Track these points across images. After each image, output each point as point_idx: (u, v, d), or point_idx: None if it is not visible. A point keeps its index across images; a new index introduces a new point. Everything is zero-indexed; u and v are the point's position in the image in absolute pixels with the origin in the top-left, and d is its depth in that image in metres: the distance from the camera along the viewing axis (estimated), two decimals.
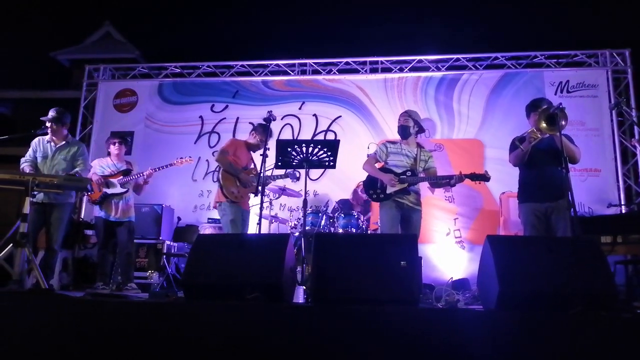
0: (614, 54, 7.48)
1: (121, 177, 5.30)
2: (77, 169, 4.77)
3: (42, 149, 4.81)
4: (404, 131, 4.73)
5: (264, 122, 4.58)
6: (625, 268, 5.10)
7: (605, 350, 2.32)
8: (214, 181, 7.79)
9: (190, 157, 5.87)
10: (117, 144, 5.46)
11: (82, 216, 7.77)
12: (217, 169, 4.99)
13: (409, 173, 4.55)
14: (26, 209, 3.93)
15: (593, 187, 6.91)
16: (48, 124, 4.78)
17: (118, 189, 5.26)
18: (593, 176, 6.96)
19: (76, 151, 4.88)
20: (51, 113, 4.80)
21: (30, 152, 4.82)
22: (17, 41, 14.90)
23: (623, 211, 6.72)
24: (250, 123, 7.92)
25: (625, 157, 7.16)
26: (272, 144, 4.54)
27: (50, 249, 4.62)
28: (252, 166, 5.21)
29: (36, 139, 4.85)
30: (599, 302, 2.58)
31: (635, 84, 7.29)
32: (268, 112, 4.56)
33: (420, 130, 4.83)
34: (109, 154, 5.52)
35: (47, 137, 4.83)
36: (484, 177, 4.42)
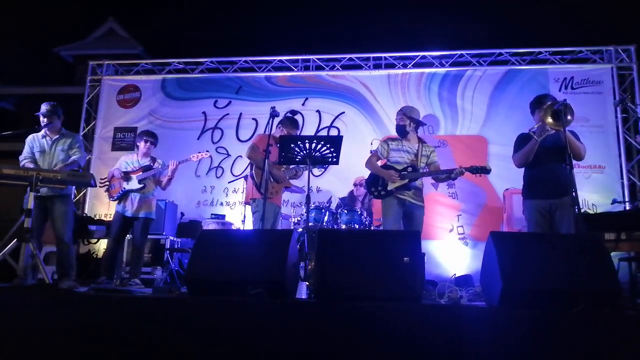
0: (619, 50, 7.44)
1: (141, 172, 5.32)
2: (73, 157, 4.78)
3: (38, 144, 4.82)
4: (401, 130, 4.73)
5: (291, 115, 4.53)
6: (629, 265, 5.09)
7: (608, 347, 2.32)
8: (217, 177, 7.81)
9: (207, 151, 5.84)
10: (147, 142, 5.49)
11: (86, 211, 7.80)
12: (250, 166, 4.95)
13: (409, 169, 4.55)
14: (30, 204, 3.94)
15: (597, 183, 6.90)
16: (43, 118, 4.79)
17: (135, 185, 5.28)
18: (597, 173, 6.94)
19: (72, 141, 4.90)
20: (44, 107, 4.82)
21: (27, 148, 4.82)
22: (21, 37, 14.94)
23: (627, 208, 6.70)
24: (253, 119, 7.95)
25: (630, 153, 7.13)
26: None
27: (62, 242, 4.63)
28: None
29: (30, 136, 4.88)
30: (603, 299, 2.57)
31: None
32: (271, 107, 4.55)
33: (419, 125, 4.81)
34: (136, 148, 5.57)
35: (41, 133, 4.84)
36: (485, 170, 4.41)
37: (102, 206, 7.77)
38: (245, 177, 4.87)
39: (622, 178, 6.95)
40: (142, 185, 5.28)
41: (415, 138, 4.77)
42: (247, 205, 5.23)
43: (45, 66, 14.05)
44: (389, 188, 4.52)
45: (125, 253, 6.28)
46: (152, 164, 5.42)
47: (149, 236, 6.52)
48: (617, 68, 7.35)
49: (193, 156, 5.61)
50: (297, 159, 4.20)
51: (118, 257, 5.51)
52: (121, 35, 13.56)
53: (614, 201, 6.42)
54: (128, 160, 5.48)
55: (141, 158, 5.48)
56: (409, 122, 4.70)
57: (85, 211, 7.82)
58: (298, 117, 7.88)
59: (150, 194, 5.39)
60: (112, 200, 5.38)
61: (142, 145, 5.49)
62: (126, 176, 5.30)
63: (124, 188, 5.27)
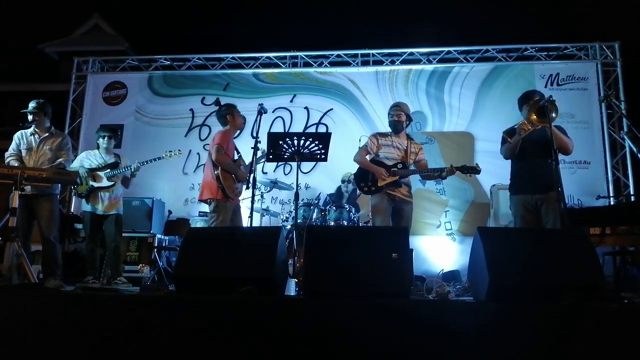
0: (604, 46, 7.52)
1: (108, 170, 5.26)
2: (60, 160, 4.72)
3: (26, 141, 4.76)
4: (396, 126, 4.70)
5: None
6: (614, 259, 5.16)
7: (594, 340, 2.35)
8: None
9: (179, 150, 5.83)
10: (106, 138, 5.41)
11: (72, 210, 7.72)
12: (213, 166, 4.86)
13: (399, 165, 4.56)
14: (15, 202, 3.89)
15: (582, 179, 6.98)
16: (30, 116, 4.73)
17: (105, 182, 5.22)
18: (582, 168, 7.02)
19: (61, 141, 4.83)
20: (32, 104, 4.76)
21: (13, 145, 4.76)
22: (5, 33, 14.71)
23: (612, 203, 6.78)
24: (241, 116, 7.89)
25: (614, 149, 7.22)
26: (263, 137, 4.52)
27: (47, 241, 4.57)
28: (238, 156, 5.11)
29: (18, 132, 4.80)
30: (588, 293, 2.60)
31: (624, 76, 7.34)
32: (259, 104, 4.55)
33: (410, 122, 4.83)
34: (98, 146, 5.48)
35: (30, 130, 4.78)
36: (475, 170, 4.44)
37: None
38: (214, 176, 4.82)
39: (607, 173, 7.03)
40: (112, 183, 5.23)
41: (405, 134, 4.78)
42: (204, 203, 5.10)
43: (30, 63, 13.86)
44: (379, 184, 4.52)
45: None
46: (118, 160, 5.36)
47: (136, 234, 6.50)
48: (602, 64, 7.44)
49: (165, 154, 5.58)
50: (286, 156, 4.19)
51: (102, 256, 5.45)
52: (107, 31, 13.40)
53: (599, 196, 6.50)
54: (91, 157, 5.37)
55: (105, 154, 5.41)
56: (405, 118, 4.71)
57: (71, 210, 7.74)
58: (286, 114, 7.88)
59: (118, 190, 5.34)
60: (80, 197, 5.30)
61: (102, 141, 5.41)
62: (92, 173, 5.22)
63: (92, 185, 5.20)
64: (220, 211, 4.76)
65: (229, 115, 5.09)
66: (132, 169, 5.29)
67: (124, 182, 5.41)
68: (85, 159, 5.34)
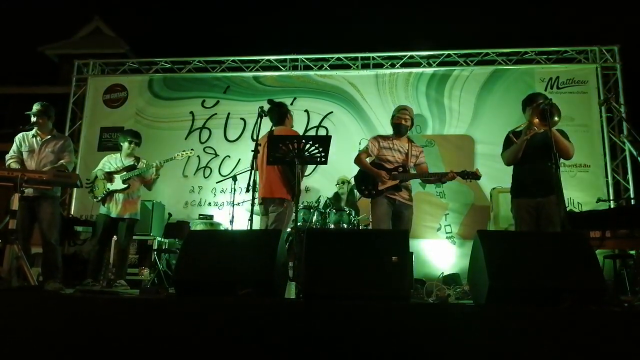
0: (604, 50, 7.54)
1: (124, 172, 5.27)
2: (62, 161, 4.72)
3: (27, 144, 4.75)
4: (400, 129, 4.65)
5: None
6: (614, 262, 5.17)
7: (594, 343, 2.34)
8: (205, 177, 7.77)
9: (192, 149, 5.89)
10: (131, 143, 5.44)
11: (72, 212, 7.72)
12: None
13: (400, 169, 4.54)
14: (15, 205, 3.89)
15: (582, 182, 6.99)
16: (34, 118, 4.73)
17: (118, 185, 5.23)
18: (582, 172, 7.03)
19: (63, 143, 4.83)
20: (36, 107, 4.76)
21: (14, 148, 4.75)
22: (5, 36, 14.74)
23: (612, 206, 6.79)
24: (241, 119, 7.92)
25: (614, 152, 7.23)
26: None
27: (48, 244, 4.57)
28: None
29: (20, 135, 4.80)
30: (588, 296, 2.60)
31: (624, 80, 7.35)
32: (259, 107, 4.53)
33: (412, 126, 4.82)
34: (120, 149, 5.50)
35: (32, 132, 4.78)
36: (475, 176, 4.41)
37: (88, 207, 7.69)
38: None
39: (606, 177, 7.05)
40: (126, 186, 5.23)
41: (406, 138, 4.76)
42: (261, 205, 4.88)
43: (30, 66, 13.89)
44: (379, 188, 4.50)
45: (113, 254, 6.22)
46: (136, 164, 5.37)
47: (136, 237, 6.48)
48: (602, 68, 7.46)
49: (178, 154, 5.59)
50: (286, 159, 4.17)
51: (104, 259, 5.45)
52: (107, 34, 13.42)
53: (599, 200, 6.50)
54: (111, 161, 5.41)
55: (125, 158, 5.42)
56: (410, 122, 4.69)
57: (71, 212, 7.74)
58: None
59: (135, 194, 5.33)
60: (96, 201, 5.32)
61: (125, 145, 5.44)
62: (109, 177, 5.24)
63: (108, 189, 5.21)
64: (289, 211, 4.58)
65: (289, 114, 4.88)
66: (154, 169, 5.29)
67: (146, 184, 5.42)
68: (106, 162, 5.40)
